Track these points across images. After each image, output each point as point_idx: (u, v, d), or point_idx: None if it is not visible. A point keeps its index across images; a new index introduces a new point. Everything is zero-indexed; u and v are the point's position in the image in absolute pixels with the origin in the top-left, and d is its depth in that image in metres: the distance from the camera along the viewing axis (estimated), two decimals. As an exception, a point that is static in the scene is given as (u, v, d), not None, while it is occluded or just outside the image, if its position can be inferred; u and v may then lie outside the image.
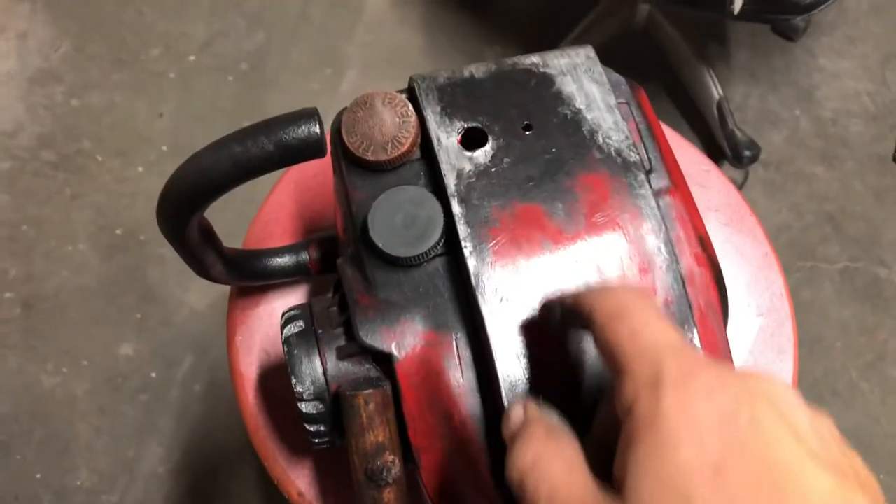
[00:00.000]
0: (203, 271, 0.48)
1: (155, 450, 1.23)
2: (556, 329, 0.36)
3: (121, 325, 1.32)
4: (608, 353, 0.30)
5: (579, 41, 1.47)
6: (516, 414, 0.33)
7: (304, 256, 0.53)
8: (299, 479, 0.53)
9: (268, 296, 0.58)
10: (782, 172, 1.46)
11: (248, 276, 0.52)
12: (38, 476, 1.22)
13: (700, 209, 0.44)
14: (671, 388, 0.27)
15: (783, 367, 0.57)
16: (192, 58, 1.56)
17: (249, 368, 0.56)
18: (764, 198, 1.43)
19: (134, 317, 1.33)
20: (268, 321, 0.57)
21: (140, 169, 1.44)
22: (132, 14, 1.60)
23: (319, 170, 0.61)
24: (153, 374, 1.28)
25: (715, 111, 1.42)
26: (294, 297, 0.58)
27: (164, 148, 1.46)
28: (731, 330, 0.44)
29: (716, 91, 1.42)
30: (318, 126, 0.36)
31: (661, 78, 1.52)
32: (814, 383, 1.29)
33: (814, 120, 1.50)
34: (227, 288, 0.59)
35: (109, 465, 1.22)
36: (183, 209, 0.40)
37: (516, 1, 1.63)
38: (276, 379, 0.55)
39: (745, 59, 1.56)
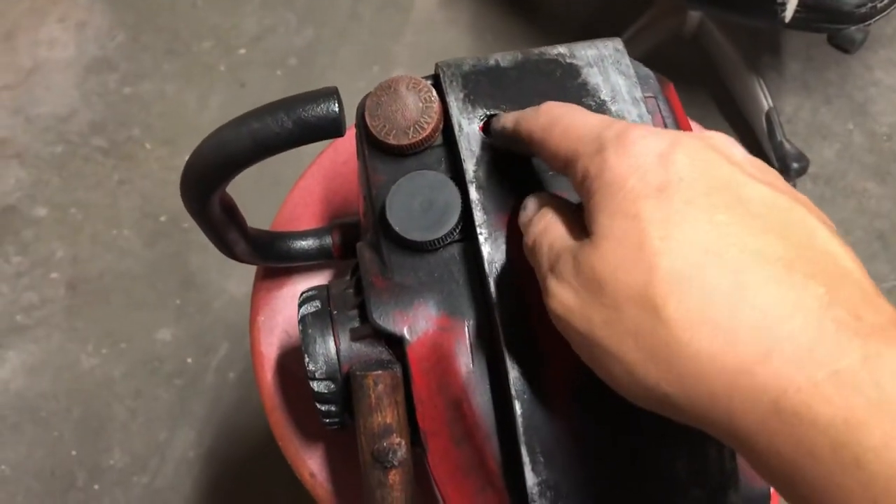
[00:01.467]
0: (227, 250, 0.49)
1: (187, 434, 1.25)
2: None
3: (160, 310, 1.34)
4: (555, 159, 0.33)
5: (628, 46, 1.46)
6: (532, 204, 0.36)
7: (328, 240, 0.53)
8: (312, 461, 0.53)
9: (293, 278, 0.58)
10: (832, 187, 1.42)
11: (272, 256, 0.53)
12: (74, 453, 1.24)
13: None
14: (611, 146, 0.30)
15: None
16: (242, 51, 1.58)
17: (270, 349, 0.56)
18: (811, 212, 1.40)
19: (174, 302, 1.35)
20: (291, 303, 0.57)
21: (187, 158, 1.46)
22: (186, 6, 1.63)
23: (350, 156, 0.61)
24: (189, 360, 1.31)
25: (763, 122, 1.40)
26: (318, 279, 0.59)
27: (211, 138, 1.49)
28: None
29: (765, 101, 1.39)
30: (336, 105, 0.37)
31: (710, 85, 1.50)
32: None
33: (867, 134, 1.46)
34: (266, 277, 0.60)
35: (142, 447, 1.25)
36: (204, 184, 0.40)
37: (566, 5, 1.63)
38: (294, 360, 0.55)
39: (799, 70, 1.53)
